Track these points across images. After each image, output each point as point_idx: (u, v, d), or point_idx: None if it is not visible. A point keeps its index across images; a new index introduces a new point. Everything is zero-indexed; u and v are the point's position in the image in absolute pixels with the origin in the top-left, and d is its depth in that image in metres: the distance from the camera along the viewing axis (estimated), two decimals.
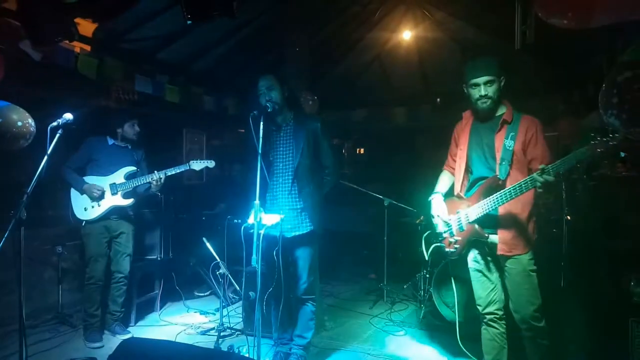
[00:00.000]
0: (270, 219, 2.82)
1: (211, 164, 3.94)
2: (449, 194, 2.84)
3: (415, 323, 4.28)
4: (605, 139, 1.92)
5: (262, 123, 2.77)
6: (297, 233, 3.11)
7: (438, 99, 6.52)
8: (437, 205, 2.78)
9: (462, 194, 2.70)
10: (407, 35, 5.92)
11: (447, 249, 2.73)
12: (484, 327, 2.78)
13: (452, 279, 3.59)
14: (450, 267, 4.27)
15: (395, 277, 5.17)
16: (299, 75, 4.73)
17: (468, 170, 2.71)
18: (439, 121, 6.56)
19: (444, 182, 2.94)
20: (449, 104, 6.46)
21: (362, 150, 8.63)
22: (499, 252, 2.56)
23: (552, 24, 2.10)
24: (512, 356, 2.75)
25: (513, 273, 2.56)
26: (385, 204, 4.94)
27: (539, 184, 2.25)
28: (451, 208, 2.72)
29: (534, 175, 2.26)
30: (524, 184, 2.32)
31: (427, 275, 4.49)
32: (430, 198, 2.85)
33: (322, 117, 4.07)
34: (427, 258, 2.79)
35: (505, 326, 2.71)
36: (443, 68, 6.34)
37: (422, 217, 4.71)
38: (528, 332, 2.58)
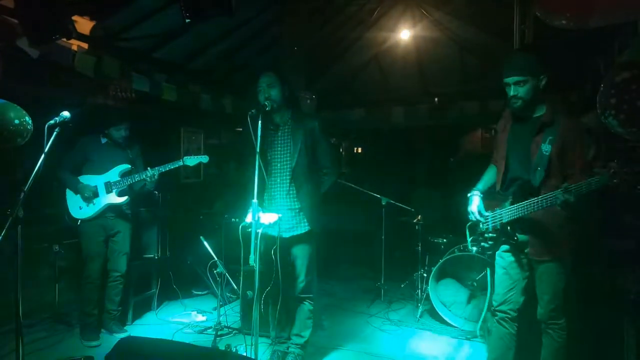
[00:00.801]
0: (268, 218, 2.82)
1: (205, 159, 3.94)
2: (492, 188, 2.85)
3: (413, 322, 4.29)
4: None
5: (260, 122, 2.76)
6: (295, 233, 3.11)
7: (436, 99, 6.52)
8: (474, 203, 2.79)
9: (501, 191, 2.71)
10: (405, 34, 5.92)
11: (482, 243, 2.75)
12: (495, 323, 2.79)
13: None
14: (449, 266, 4.30)
15: (392, 276, 5.18)
16: (296, 74, 4.73)
17: (507, 169, 2.69)
18: (437, 121, 6.60)
19: (487, 177, 2.92)
20: (446, 104, 6.49)
21: (359, 150, 8.65)
22: (530, 255, 2.58)
23: (551, 24, 2.11)
24: (520, 358, 2.76)
25: (541, 277, 2.57)
26: (383, 203, 4.95)
27: (559, 201, 2.24)
28: (491, 205, 2.72)
29: (556, 192, 2.25)
30: (544, 200, 2.30)
31: (425, 275, 4.50)
32: (469, 194, 2.85)
33: (320, 116, 4.07)
34: (470, 247, 2.82)
35: (516, 328, 2.70)
36: (441, 68, 6.35)
37: (419, 217, 4.72)
38: (545, 326, 2.62)
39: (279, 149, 3.13)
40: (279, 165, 3.12)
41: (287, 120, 3.15)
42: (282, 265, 3.05)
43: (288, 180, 3.09)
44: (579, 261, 2.65)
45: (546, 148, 2.40)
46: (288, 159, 3.09)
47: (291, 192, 3.10)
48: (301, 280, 3.18)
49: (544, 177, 2.43)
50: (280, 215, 2.94)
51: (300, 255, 3.16)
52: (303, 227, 3.11)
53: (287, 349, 3.29)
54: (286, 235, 3.09)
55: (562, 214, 2.42)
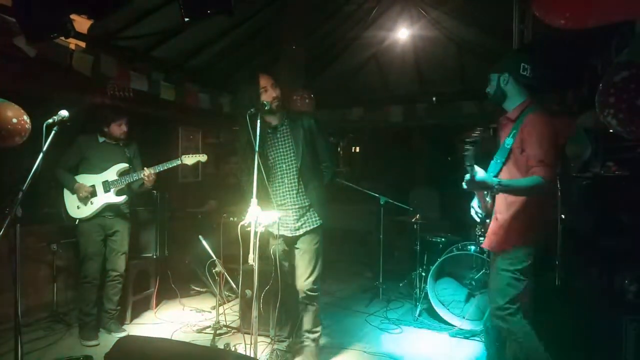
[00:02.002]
0: (267, 217, 2.82)
1: (203, 157, 3.95)
2: None
3: (411, 321, 4.29)
4: None
5: (259, 121, 2.76)
6: (308, 228, 3.15)
7: (434, 98, 6.53)
8: (475, 199, 2.90)
9: None
10: (403, 33, 5.93)
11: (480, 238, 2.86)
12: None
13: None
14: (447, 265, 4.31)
15: (391, 275, 5.19)
16: (295, 73, 4.73)
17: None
18: (435, 120, 6.61)
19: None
20: (445, 103, 6.49)
21: (357, 149, 8.65)
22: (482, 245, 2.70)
23: (549, 24, 2.11)
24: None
25: (492, 268, 2.68)
26: (381, 203, 4.95)
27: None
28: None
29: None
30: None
31: (423, 274, 4.51)
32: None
33: (315, 114, 4.06)
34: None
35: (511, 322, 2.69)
36: (439, 67, 6.36)
37: (417, 216, 4.73)
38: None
39: (281, 150, 3.14)
40: (284, 166, 3.13)
41: (283, 121, 3.16)
42: (290, 263, 3.14)
43: (296, 180, 3.13)
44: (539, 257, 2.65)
45: (509, 142, 2.52)
46: (293, 159, 3.11)
47: (300, 190, 3.14)
48: (311, 277, 3.17)
49: (501, 169, 2.55)
50: (279, 214, 2.94)
51: (309, 251, 3.17)
52: (315, 222, 3.16)
53: (303, 343, 3.33)
54: (299, 232, 3.15)
55: (515, 207, 2.51)
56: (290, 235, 3.17)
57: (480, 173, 2.35)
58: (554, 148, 2.40)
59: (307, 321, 3.28)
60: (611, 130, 2.08)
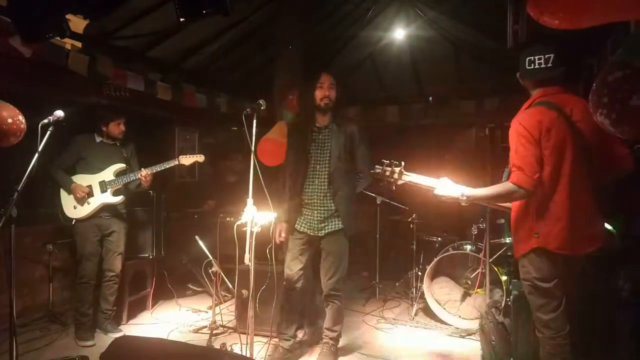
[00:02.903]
0: (263, 218, 2.82)
1: (200, 158, 3.95)
2: None
3: (407, 320, 4.30)
4: None
5: (255, 121, 2.78)
6: (328, 230, 3.20)
7: (430, 98, 6.55)
8: None
9: None
10: (399, 33, 5.94)
11: None
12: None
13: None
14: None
15: (387, 275, 5.20)
16: (291, 73, 4.73)
17: None
18: (431, 120, 6.62)
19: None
20: (441, 103, 6.51)
21: None
22: None
23: (544, 24, 2.11)
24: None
25: None
26: (378, 202, 4.96)
27: None
28: None
29: None
30: None
31: (419, 273, 4.52)
32: None
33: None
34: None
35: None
36: (435, 67, 6.37)
37: (414, 215, 4.74)
38: None
39: (319, 151, 3.22)
40: (317, 167, 3.21)
41: (330, 124, 3.25)
42: (316, 262, 3.24)
43: (326, 183, 3.18)
44: None
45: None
46: (327, 162, 3.18)
47: (328, 195, 3.19)
48: (333, 277, 3.22)
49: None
50: (275, 214, 2.95)
51: (333, 252, 3.22)
52: (336, 225, 3.20)
53: (321, 340, 3.40)
54: (321, 233, 3.20)
55: (516, 213, 2.47)
56: (313, 234, 3.22)
57: (440, 188, 2.37)
58: (533, 148, 2.27)
59: (328, 318, 3.35)
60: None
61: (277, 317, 3.43)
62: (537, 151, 2.29)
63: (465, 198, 2.36)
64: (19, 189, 2.28)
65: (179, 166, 3.91)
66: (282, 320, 3.42)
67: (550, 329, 2.36)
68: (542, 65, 2.40)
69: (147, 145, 4.57)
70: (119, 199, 3.82)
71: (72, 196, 3.72)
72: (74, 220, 3.73)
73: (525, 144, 2.29)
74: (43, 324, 4.06)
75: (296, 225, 3.27)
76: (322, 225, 3.20)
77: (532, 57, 2.43)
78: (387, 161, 2.60)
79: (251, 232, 2.70)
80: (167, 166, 3.84)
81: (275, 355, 3.36)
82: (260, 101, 2.93)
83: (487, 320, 3.30)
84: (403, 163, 2.60)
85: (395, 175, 2.59)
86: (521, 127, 2.32)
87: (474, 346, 3.68)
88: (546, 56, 2.39)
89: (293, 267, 3.26)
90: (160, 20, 4.26)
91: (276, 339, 3.48)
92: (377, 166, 2.62)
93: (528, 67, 2.44)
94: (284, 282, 3.30)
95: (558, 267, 2.34)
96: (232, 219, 4.37)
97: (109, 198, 3.78)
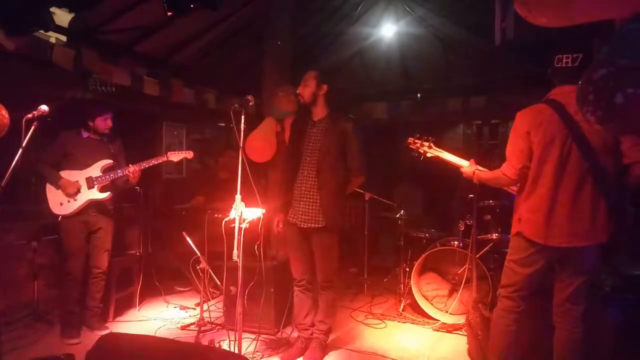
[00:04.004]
0: (251, 213, 2.82)
1: (189, 154, 3.93)
2: None
3: (395, 315, 4.33)
4: None
5: (243, 117, 2.77)
6: (313, 226, 3.21)
7: (419, 95, 6.57)
8: None
9: None
10: (388, 30, 5.95)
11: None
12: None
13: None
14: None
15: (375, 271, 5.22)
16: (280, 69, 4.72)
17: None
18: (420, 117, 6.65)
19: None
20: (429, 100, 6.53)
21: None
22: None
23: (531, 22, 2.13)
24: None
25: None
26: (366, 198, 4.98)
27: None
28: None
29: None
30: None
31: (407, 269, 4.55)
32: None
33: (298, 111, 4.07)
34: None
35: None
36: (424, 64, 6.40)
37: (402, 212, 4.76)
38: None
39: (311, 144, 3.24)
40: (307, 159, 3.23)
41: (324, 118, 3.25)
42: (301, 253, 3.29)
43: (314, 176, 3.19)
44: None
45: None
46: (316, 155, 3.19)
47: (314, 188, 3.20)
48: (321, 270, 3.28)
49: None
50: (264, 210, 2.95)
51: (318, 247, 3.25)
52: (319, 222, 3.20)
53: (312, 334, 3.40)
54: (306, 226, 3.22)
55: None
56: (301, 226, 3.25)
57: (465, 167, 2.75)
58: (521, 141, 2.49)
59: (320, 309, 3.38)
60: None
61: (271, 313, 3.44)
62: (524, 144, 2.49)
63: (475, 176, 2.83)
64: (2, 184, 2.25)
65: (166, 162, 3.88)
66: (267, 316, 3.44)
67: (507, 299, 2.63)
68: (569, 65, 2.45)
69: (133, 140, 4.52)
70: (106, 195, 3.77)
71: (58, 192, 3.67)
72: (60, 217, 3.68)
73: (514, 136, 2.53)
74: (28, 322, 4.00)
75: (289, 217, 3.31)
76: (306, 217, 3.21)
77: (560, 56, 2.48)
78: (419, 134, 3.27)
79: (239, 229, 2.70)
80: (156, 162, 3.81)
81: (298, 344, 3.41)
82: (249, 97, 2.92)
83: (474, 315, 3.34)
84: (432, 139, 3.24)
85: (425, 148, 3.26)
86: (515, 121, 2.55)
87: (461, 341, 3.72)
88: (574, 55, 2.44)
89: (294, 260, 3.35)
90: (148, 14, 4.21)
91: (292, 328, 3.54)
92: (410, 138, 3.27)
93: (556, 65, 2.51)
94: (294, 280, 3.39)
95: (533, 254, 2.49)
96: (220, 216, 4.36)
97: (96, 194, 3.73)
